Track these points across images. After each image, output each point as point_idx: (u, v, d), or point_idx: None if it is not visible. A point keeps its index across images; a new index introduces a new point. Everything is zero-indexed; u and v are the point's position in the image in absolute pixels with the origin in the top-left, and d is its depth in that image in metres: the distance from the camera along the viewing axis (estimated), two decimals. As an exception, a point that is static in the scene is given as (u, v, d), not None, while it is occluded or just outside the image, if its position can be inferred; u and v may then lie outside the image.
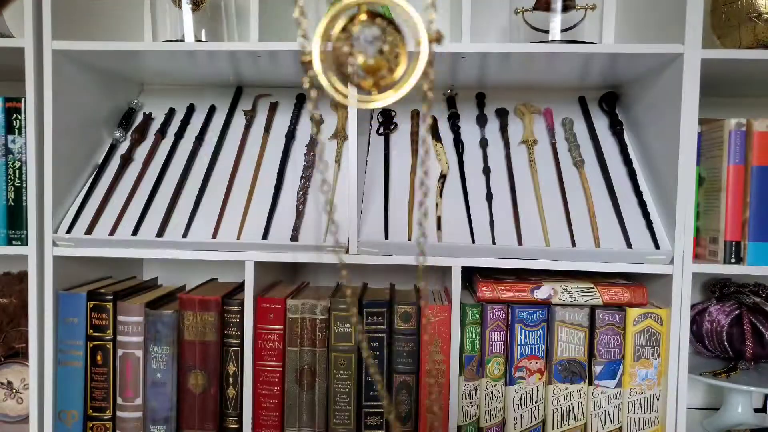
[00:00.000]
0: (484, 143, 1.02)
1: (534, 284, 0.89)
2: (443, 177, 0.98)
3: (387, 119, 1.06)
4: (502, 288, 0.88)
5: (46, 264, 0.92)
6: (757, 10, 0.88)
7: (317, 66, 0.26)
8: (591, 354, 0.88)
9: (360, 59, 0.26)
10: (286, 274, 1.13)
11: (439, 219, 0.92)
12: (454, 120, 1.04)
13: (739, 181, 0.87)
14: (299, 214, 0.94)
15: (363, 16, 0.26)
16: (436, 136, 1.03)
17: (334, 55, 0.26)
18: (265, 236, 0.92)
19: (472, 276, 0.98)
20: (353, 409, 0.90)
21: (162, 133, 1.06)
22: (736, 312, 0.99)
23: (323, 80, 0.26)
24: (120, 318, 0.92)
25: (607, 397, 0.88)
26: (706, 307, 1.02)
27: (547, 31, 0.95)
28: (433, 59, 0.25)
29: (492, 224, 0.92)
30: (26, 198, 0.93)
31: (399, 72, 0.26)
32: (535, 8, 0.97)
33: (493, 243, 0.90)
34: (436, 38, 0.26)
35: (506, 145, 1.01)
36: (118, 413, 0.93)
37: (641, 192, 0.94)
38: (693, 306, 1.03)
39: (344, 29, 0.26)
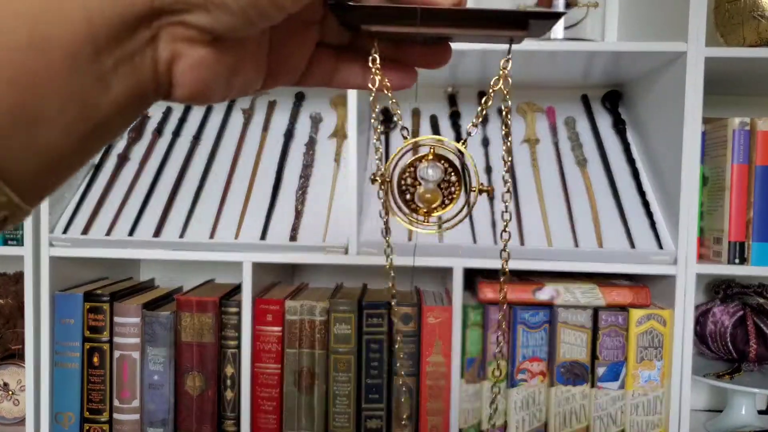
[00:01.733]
0: (485, 142, 1.01)
1: (536, 285, 0.88)
2: (444, 176, 0.97)
3: (387, 118, 1.05)
4: (504, 289, 0.87)
5: (42, 264, 0.91)
6: (761, 7, 0.87)
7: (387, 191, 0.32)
8: (594, 355, 0.87)
9: (420, 190, 0.31)
10: (285, 274, 1.12)
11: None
12: (455, 118, 1.03)
13: (743, 181, 0.86)
14: (298, 214, 0.93)
15: (431, 156, 0.31)
16: (437, 134, 1.02)
17: (400, 181, 0.32)
18: (263, 236, 0.91)
19: (473, 277, 0.97)
20: (353, 412, 0.88)
21: (159, 131, 1.05)
22: (740, 313, 0.98)
23: (388, 198, 0.32)
24: (117, 319, 0.91)
25: (609, 399, 0.87)
26: (710, 308, 1.01)
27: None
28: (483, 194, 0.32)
29: (494, 224, 0.91)
30: (22, 198, 0.92)
31: (451, 207, 0.33)
32: (536, 5, 0.96)
33: (495, 243, 0.89)
34: (487, 190, 0.32)
35: (507, 144, 1.00)
36: (115, 415, 0.92)
37: (644, 191, 0.93)
38: (696, 307, 1.02)
39: (412, 164, 0.31)
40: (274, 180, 0.97)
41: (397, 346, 0.86)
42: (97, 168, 1.00)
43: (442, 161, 0.31)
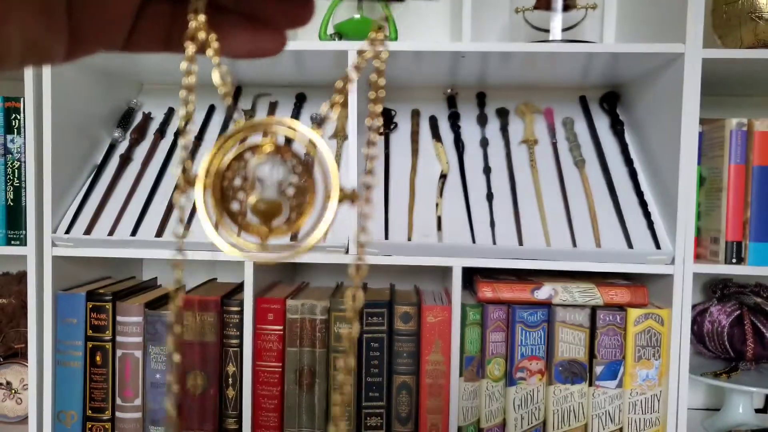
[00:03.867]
0: (484, 143, 1.01)
1: (535, 284, 0.88)
2: (443, 177, 0.97)
3: (387, 119, 1.06)
4: (503, 288, 0.88)
5: (45, 264, 0.92)
6: (758, 9, 0.88)
7: (199, 195, 0.20)
8: (592, 354, 0.88)
9: (251, 199, 0.20)
10: (286, 274, 1.12)
11: (439, 219, 0.92)
12: (454, 119, 1.04)
13: (740, 181, 0.87)
14: (299, 214, 0.94)
15: (269, 147, 0.20)
16: (436, 135, 1.03)
17: (219, 184, 0.20)
18: (264, 236, 0.92)
19: (472, 276, 0.98)
20: (353, 410, 0.89)
21: (161, 132, 1.06)
22: (737, 312, 0.98)
23: (201, 209, 0.20)
24: (119, 318, 0.92)
25: (607, 397, 0.88)
26: (707, 307, 1.02)
27: (547, 31, 0.95)
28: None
29: (492, 224, 0.91)
30: (25, 198, 0.92)
31: (300, 224, 0.21)
32: (535, 7, 0.96)
33: (494, 243, 0.90)
34: (350, 196, 0.21)
35: (507, 145, 1.01)
36: (118, 414, 0.92)
37: (642, 192, 0.94)
38: (694, 306, 1.02)
39: (241, 156, 0.20)
40: (275, 180, 0.98)
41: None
42: (100, 168, 1.01)
43: (289, 156, 0.21)
